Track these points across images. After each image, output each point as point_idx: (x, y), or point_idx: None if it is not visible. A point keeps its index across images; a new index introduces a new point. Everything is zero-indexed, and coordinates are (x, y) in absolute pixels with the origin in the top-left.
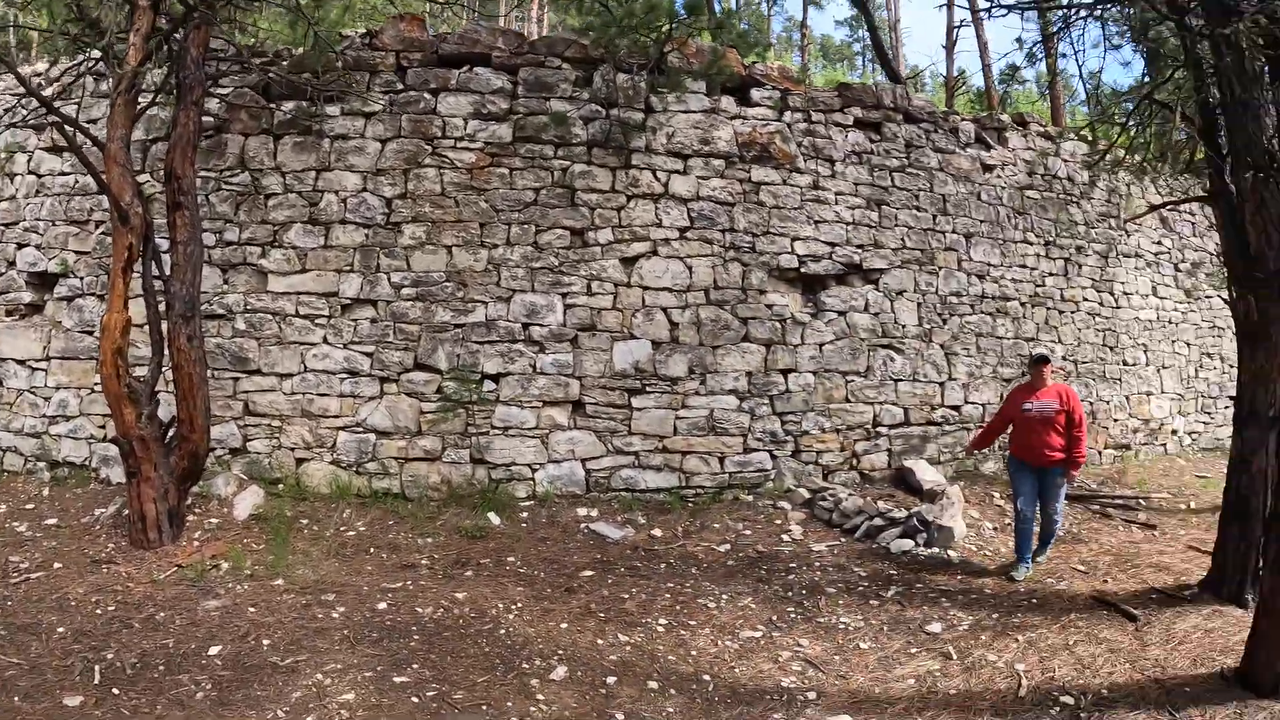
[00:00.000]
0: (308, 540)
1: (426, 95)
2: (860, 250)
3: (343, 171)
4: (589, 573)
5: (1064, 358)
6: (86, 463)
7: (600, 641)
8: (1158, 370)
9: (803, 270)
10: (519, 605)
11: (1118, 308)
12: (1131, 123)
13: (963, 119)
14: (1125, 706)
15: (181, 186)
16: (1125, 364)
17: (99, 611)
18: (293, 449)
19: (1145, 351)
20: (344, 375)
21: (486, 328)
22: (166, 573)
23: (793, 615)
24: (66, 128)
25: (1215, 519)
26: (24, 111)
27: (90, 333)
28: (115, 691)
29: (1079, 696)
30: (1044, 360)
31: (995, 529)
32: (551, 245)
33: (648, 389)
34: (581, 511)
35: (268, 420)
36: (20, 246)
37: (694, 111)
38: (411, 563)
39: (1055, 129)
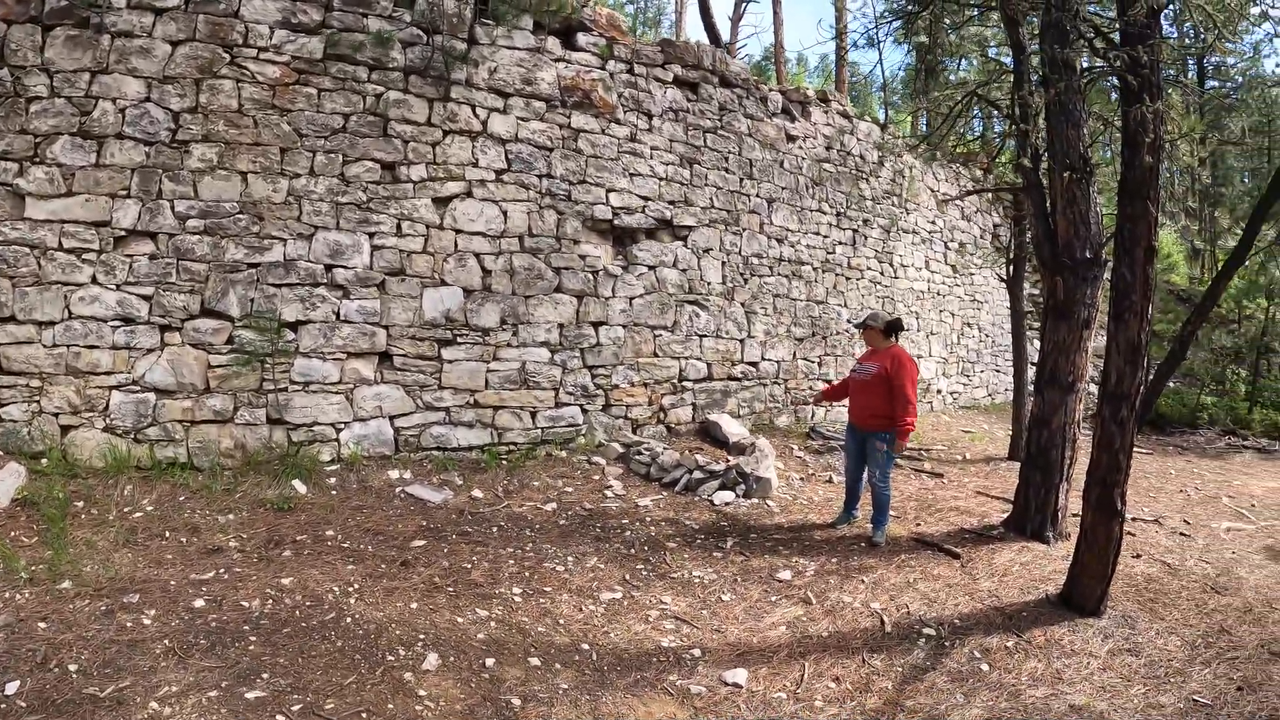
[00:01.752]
0: (89, 528)
1: None
2: (672, 206)
3: (124, 76)
4: (420, 542)
5: (849, 321)
6: None
7: (460, 620)
8: (928, 336)
9: (616, 222)
10: (356, 587)
11: (896, 278)
12: (955, 113)
13: (771, 89)
14: (980, 632)
15: None
16: None
17: None
18: (57, 414)
19: (917, 318)
20: (117, 323)
21: (285, 268)
22: None
23: (644, 573)
24: None
25: (990, 468)
26: None
27: None
28: None
29: (938, 627)
30: (862, 325)
31: (802, 479)
32: (360, 179)
33: (459, 340)
34: (394, 474)
35: (25, 379)
36: None
37: (519, 49)
38: (218, 545)
39: (855, 109)
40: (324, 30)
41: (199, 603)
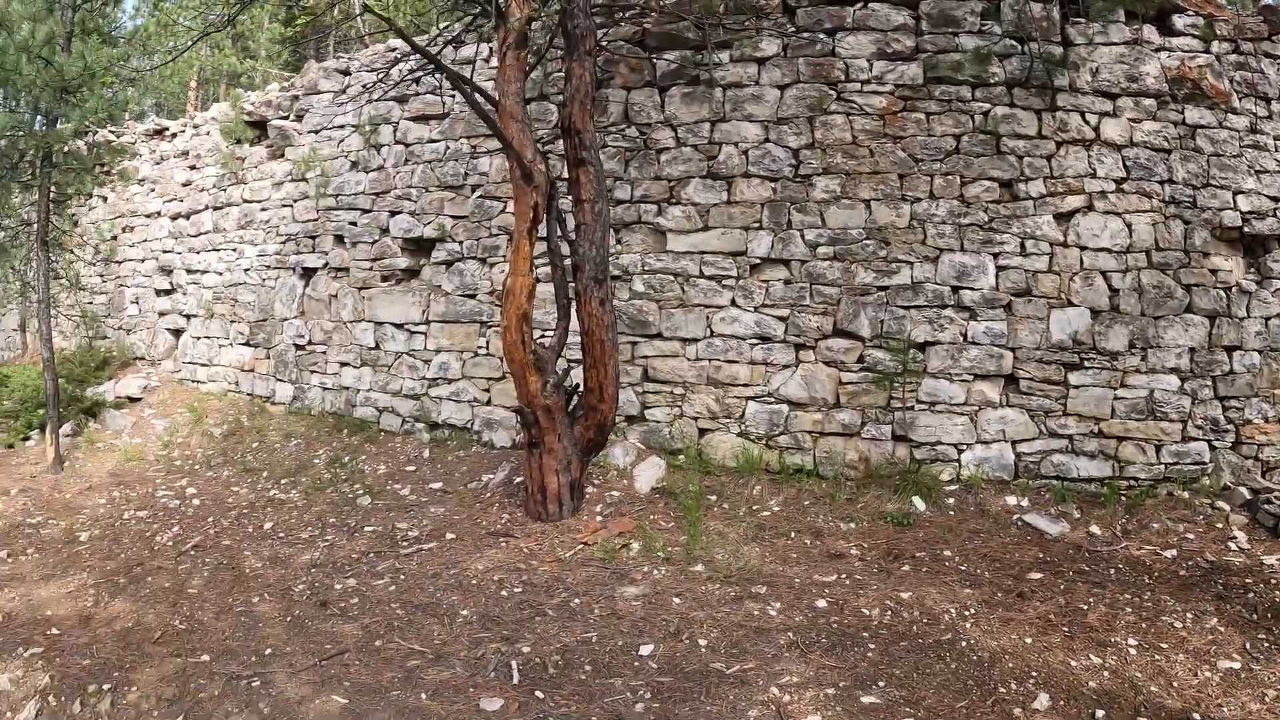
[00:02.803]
0: (720, 520)
1: (822, 36)
2: None
3: (740, 121)
4: (1036, 575)
5: None
6: (468, 425)
7: (1073, 663)
8: None
9: (1245, 230)
10: (972, 612)
11: None
12: None
13: None
14: None
15: (583, 141)
16: None
17: (504, 593)
18: (696, 418)
19: None
20: (754, 341)
21: (913, 291)
22: (571, 551)
23: (1265, 644)
24: (463, 86)
25: None
26: (383, 87)
27: (472, 296)
28: (539, 695)
29: None
30: None
31: None
32: (979, 199)
33: (1086, 364)
34: (1010, 500)
35: (669, 387)
36: (393, 214)
37: (1115, 44)
38: (839, 551)
39: None
40: (919, 55)
41: (821, 603)
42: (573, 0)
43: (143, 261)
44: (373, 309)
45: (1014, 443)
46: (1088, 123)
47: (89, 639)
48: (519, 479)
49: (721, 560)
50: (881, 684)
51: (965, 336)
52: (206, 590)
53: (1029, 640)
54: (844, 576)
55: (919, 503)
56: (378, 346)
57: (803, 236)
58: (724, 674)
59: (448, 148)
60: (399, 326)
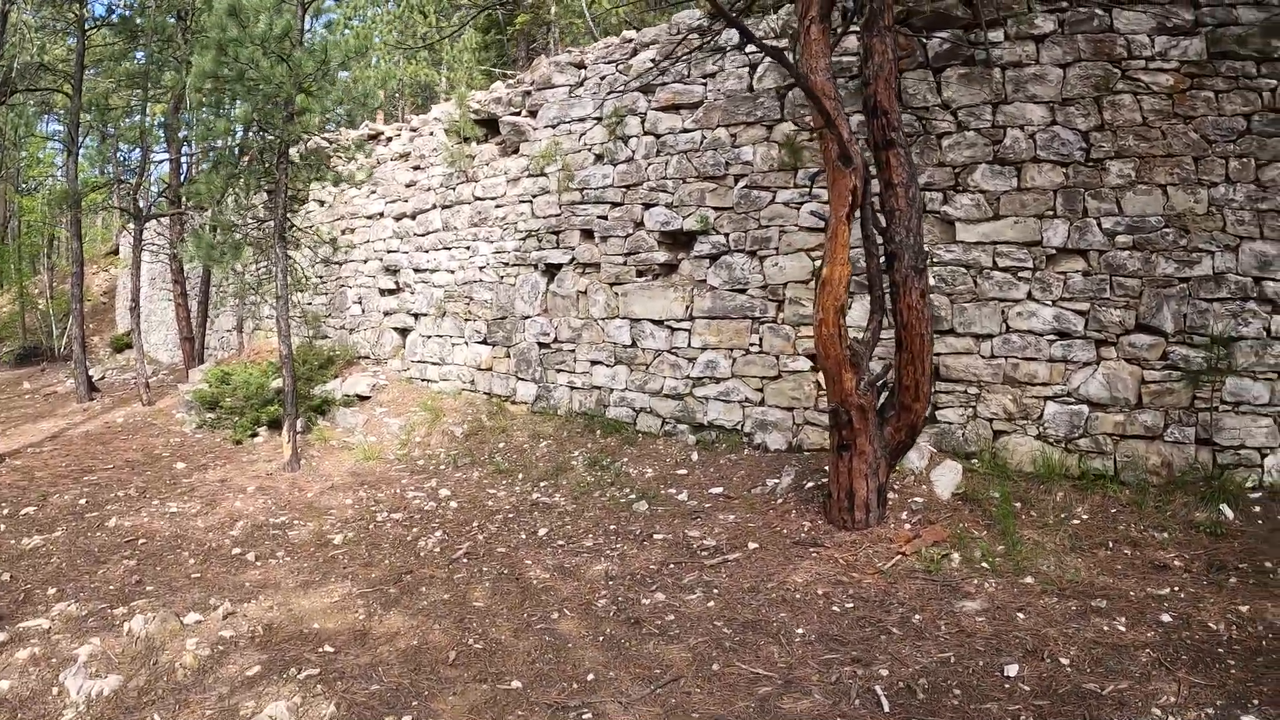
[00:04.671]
0: (1032, 528)
1: (1099, 11)
2: None
3: (1024, 103)
4: None
5: None
6: (738, 427)
7: None
8: None
9: None
10: None
11: None
12: None
13: None
14: None
15: (890, 122)
16: None
17: (836, 609)
18: (990, 420)
19: None
20: (1052, 337)
21: (1215, 282)
22: (890, 561)
23: None
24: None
25: None
26: (625, 79)
27: (741, 291)
28: None
29: None
30: None
31: None
32: (1275, 182)
33: None
34: None
35: (962, 386)
36: (647, 207)
37: None
38: (1162, 563)
39: None
40: (1199, 30)
41: (1165, 617)
42: None
43: (365, 262)
44: (628, 305)
45: None
46: None
47: (370, 659)
48: (808, 483)
49: (1049, 572)
50: (1256, 703)
51: (1268, 331)
52: (494, 604)
53: None
54: (1176, 589)
55: (1227, 511)
56: (634, 344)
57: (1099, 224)
58: (1100, 695)
59: (703, 137)
60: (658, 323)
